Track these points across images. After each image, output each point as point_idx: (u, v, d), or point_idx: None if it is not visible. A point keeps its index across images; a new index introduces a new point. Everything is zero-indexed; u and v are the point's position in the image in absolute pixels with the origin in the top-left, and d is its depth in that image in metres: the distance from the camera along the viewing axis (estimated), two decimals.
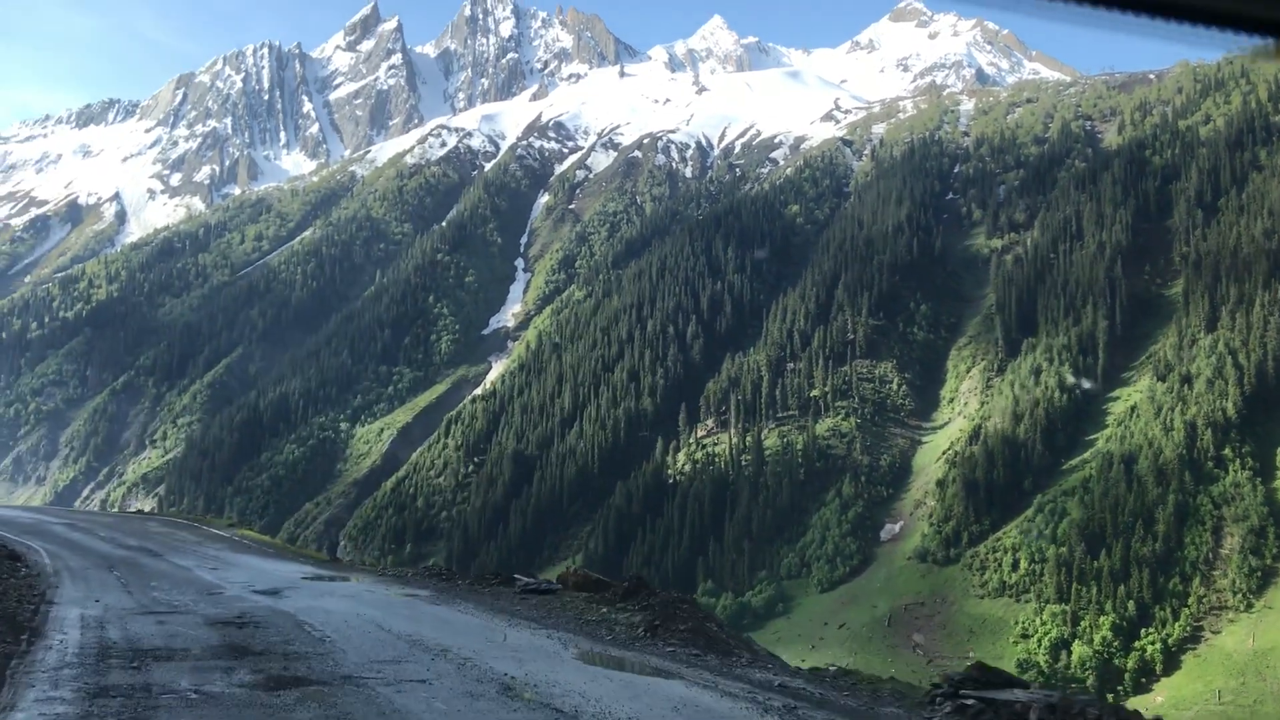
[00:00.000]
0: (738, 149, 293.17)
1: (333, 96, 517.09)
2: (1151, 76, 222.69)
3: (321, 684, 11.56)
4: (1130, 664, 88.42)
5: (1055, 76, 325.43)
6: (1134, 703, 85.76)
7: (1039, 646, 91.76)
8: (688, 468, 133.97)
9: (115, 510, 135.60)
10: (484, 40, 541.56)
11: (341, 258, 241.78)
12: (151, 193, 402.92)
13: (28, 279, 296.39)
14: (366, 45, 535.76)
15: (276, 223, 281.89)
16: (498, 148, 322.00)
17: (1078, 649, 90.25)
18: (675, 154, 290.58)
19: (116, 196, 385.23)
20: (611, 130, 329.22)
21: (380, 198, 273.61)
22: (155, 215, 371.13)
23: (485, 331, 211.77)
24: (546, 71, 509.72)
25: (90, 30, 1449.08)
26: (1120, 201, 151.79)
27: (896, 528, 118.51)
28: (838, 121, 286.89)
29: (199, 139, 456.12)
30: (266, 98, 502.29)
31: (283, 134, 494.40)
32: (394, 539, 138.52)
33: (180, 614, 16.91)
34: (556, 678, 12.43)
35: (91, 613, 16.54)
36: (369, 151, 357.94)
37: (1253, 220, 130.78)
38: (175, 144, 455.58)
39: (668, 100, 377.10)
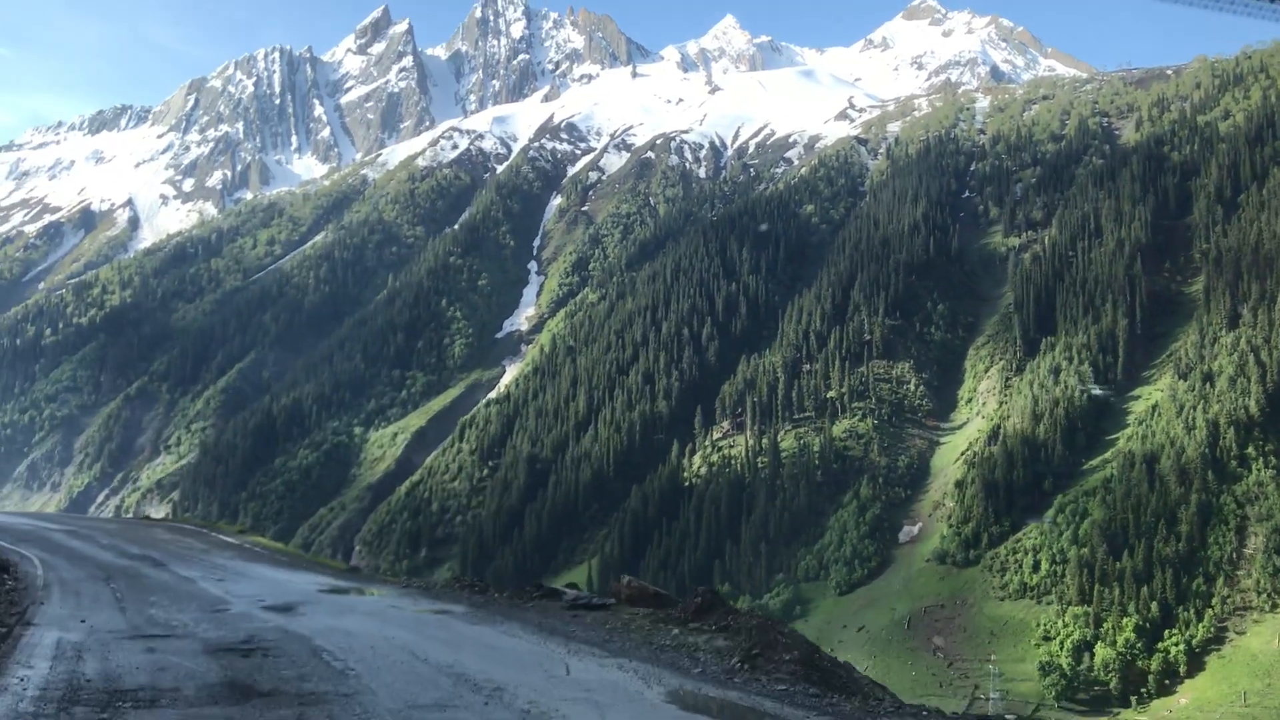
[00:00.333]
0: (751, 149, 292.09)
1: (344, 100, 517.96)
2: (1169, 72, 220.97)
3: None
4: (1154, 665, 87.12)
5: (1071, 73, 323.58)
6: (1158, 704, 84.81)
7: (1061, 649, 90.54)
8: (704, 470, 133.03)
9: (129, 515, 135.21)
10: (495, 42, 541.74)
11: (354, 261, 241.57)
12: (164, 198, 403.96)
13: (41, 285, 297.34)
14: (377, 48, 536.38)
15: (289, 227, 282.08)
16: (509, 150, 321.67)
17: (1100, 651, 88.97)
18: (689, 154, 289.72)
19: (129, 202, 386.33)
20: (624, 131, 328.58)
21: (392, 201, 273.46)
22: (168, 221, 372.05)
23: (499, 335, 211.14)
24: (558, 73, 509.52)
25: (102, 37, 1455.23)
26: (1139, 198, 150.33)
27: (915, 529, 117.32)
28: (852, 120, 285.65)
29: (211, 144, 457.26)
30: (278, 102, 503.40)
31: (294, 138, 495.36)
32: (409, 544, 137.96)
33: (176, 638, 14.79)
34: None
35: (72, 637, 14.51)
36: (380, 154, 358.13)
37: (1274, 216, 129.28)
38: (187, 149, 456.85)
39: (680, 100, 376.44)
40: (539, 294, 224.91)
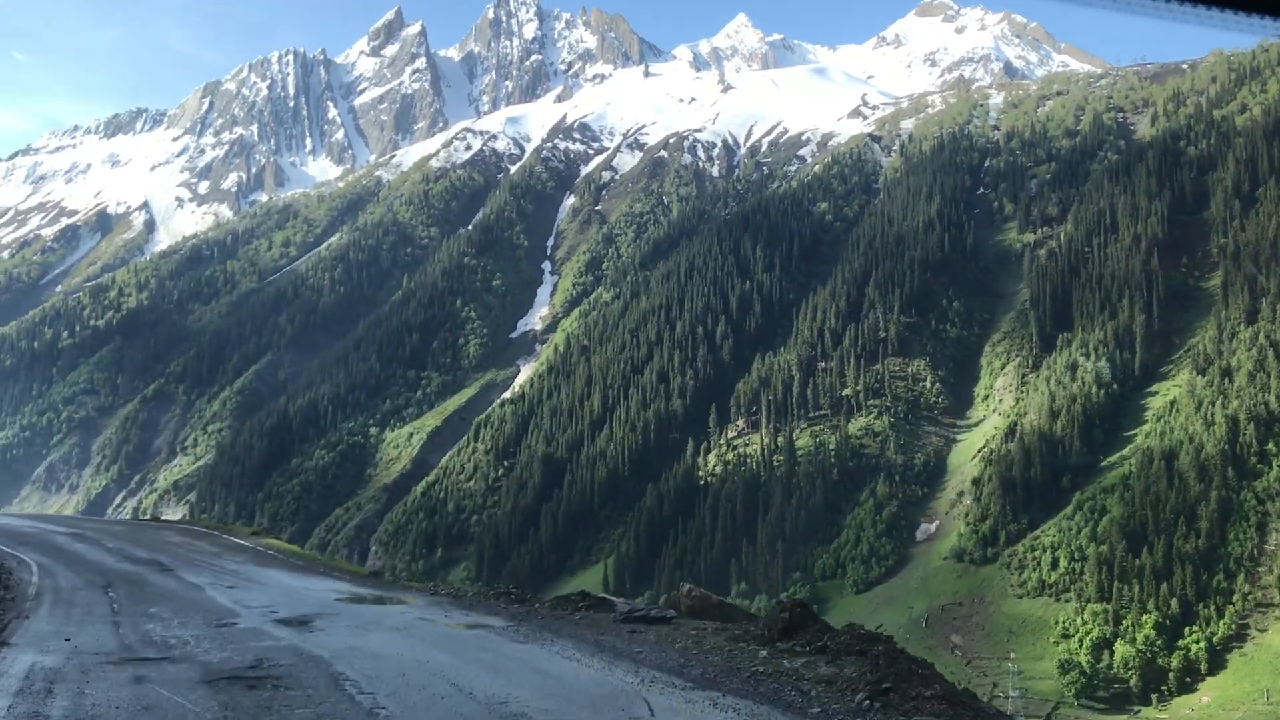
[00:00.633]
0: (765, 147, 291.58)
1: (358, 102, 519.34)
2: (1184, 66, 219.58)
3: None
4: (1174, 663, 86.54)
5: (1085, 68, 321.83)
6: (1180, 702, 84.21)
7: (1080, 646, 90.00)
8: (719, 469, 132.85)
9: (146, 517, 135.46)
10: (508, 43, 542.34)
11: (368, 262, 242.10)
12: (179, 201, 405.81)
13: (59, 289, 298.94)
14: (390, 50, 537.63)
15: (303, 229, 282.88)
16: (523, 150, 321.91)
17: (1120, 648, 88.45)
18: (701, 153, 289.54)
19: (145, 205, 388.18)
20: (637, 130, 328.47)
21: (406, 202, 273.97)
22: (183, 223, 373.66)
23: (513, 335, 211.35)
24: (570, 73, 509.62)
25: (117, 41, 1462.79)
26: (1155, 193, 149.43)
27: (932, 527, 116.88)
28: (865, 118, 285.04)
29: (226, 147, 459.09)
30: (292, 104, 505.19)
31: (308, 140, 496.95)
32: (425, 544, 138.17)
33: (172, 662, 12.87)
34: None
35: (48, 662, 12.55)
36: (394, 156, 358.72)
37: None
38: (202, 152, 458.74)
39: (693, 99, 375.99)
40: (553, 293, 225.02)
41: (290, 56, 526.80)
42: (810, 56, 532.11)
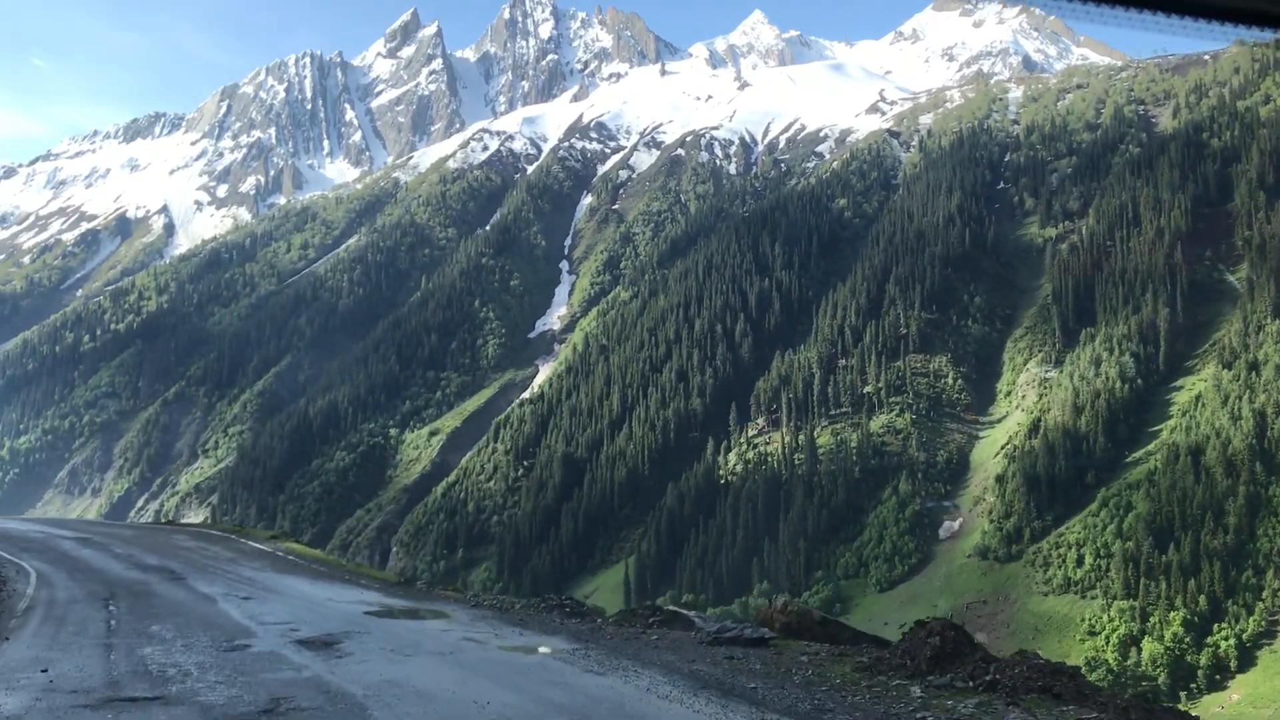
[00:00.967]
0: (782, 144, 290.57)
1: (375, 104, 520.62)
2: (1206, 58, 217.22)
3: None
4: (1203, 660, 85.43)
5: (1106, 61, 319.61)
6: (1209, 700, 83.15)
7: (1107, 644, 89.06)
8: (739, 468, 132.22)
9: (168, 520, 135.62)
10: (524, 43, 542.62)
11: (387, 264, 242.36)
12: (198, 204, 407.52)
13: (79, 293, 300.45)
14: (407, 51, 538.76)
15: (322, 231, 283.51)
16: (539, 150, 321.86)
17: (1148, 646, 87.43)
18: (719, 151, 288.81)
19: (164, 209, 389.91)
20: (654, 129, 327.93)
21: (424, 203, 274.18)
22: (203, 226, 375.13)
23: (531, 335, 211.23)
24: (587, 72, 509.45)
25: (135, 47, 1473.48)
26: (1178, 186, 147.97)
27: (955, 525, 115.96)
28: (883, 113, 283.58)
29: (244, 150, 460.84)
30: (309, 107, 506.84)
31: (326, 142, 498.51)
32: (445, 544, 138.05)
33: (165, 703, 10.71)
34: None
35: (8, 707, 10.62)
36: (412, 157, 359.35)
37: None
38: (221, 155, 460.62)
39: (710, 97, 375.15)
40: (571, 293, 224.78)
41: (307, 59, 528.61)
42: (827, 53, 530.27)
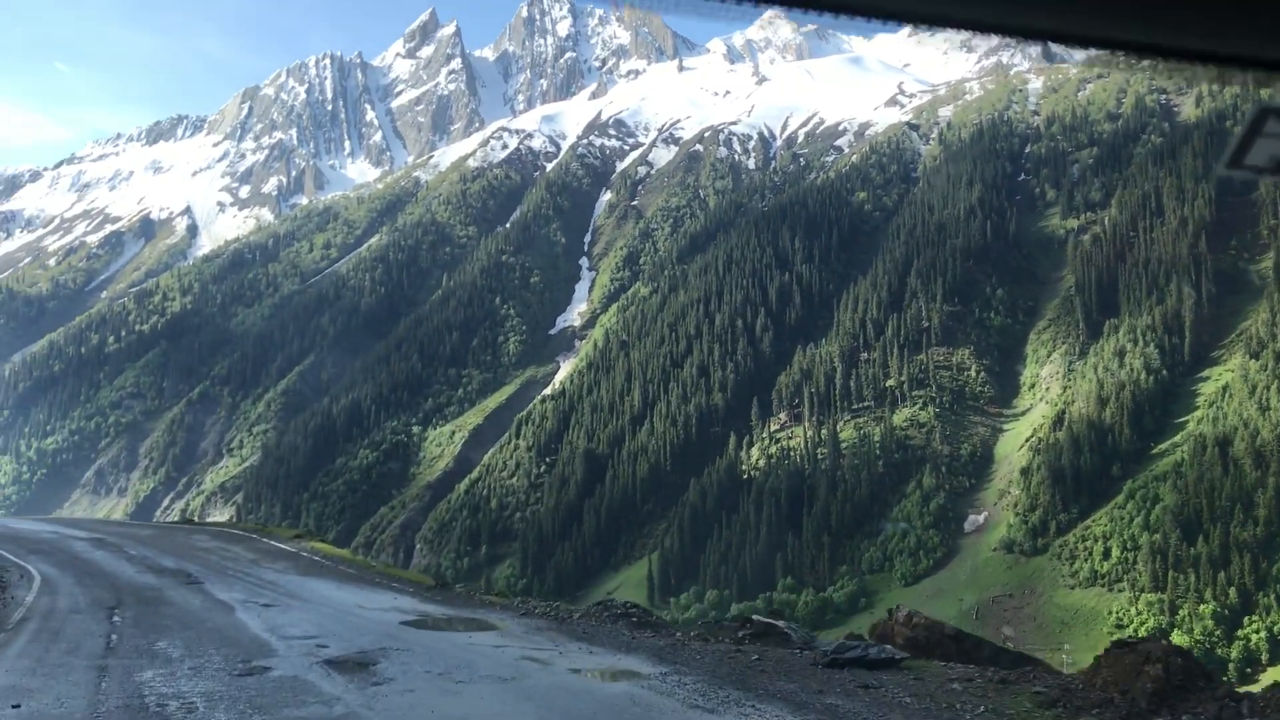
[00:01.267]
0: (801, 138, 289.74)
1: (394, 104, 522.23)
2: None
3: None
4: (1234, 653, 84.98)
5: None
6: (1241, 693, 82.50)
7: (1135, 637, 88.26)
8: (762, 463, 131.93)
9: (194, 519, 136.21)
10: (542, 41, 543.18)
11: (408, 262, 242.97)
12: (221, 205, 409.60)
13: (104, 294, 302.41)
14: (426, 51, 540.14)
15: (344, 231, 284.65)
16: (559, 148, 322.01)
17: (1178, 639, 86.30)
18: (737, 146, 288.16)
19: (187, 210, 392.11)
20: (672, 125, 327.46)
21: (444, 202, 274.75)
22: (225, 227, 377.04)
23: (552, 331, 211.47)
24: (605, 69, 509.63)
25: (156, 51, 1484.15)
26: (1201, 175, 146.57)
27: (980, 518, 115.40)
28: (902, 106, 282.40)
29: (265, 151, 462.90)
30: (330, 108, 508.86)
31: (347, 143, 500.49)
32: (469, 541, 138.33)
33: None
34: None
35: None
36: (432, 157, 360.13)
37: None
38: (243, 156, 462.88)
39: (728, 92, 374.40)
40: (591, 290, 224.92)
41: (327, 60, 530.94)
42: (845, 46, 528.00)
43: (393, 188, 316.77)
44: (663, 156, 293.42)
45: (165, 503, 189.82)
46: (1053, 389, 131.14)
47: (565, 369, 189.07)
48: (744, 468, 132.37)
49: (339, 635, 14.57)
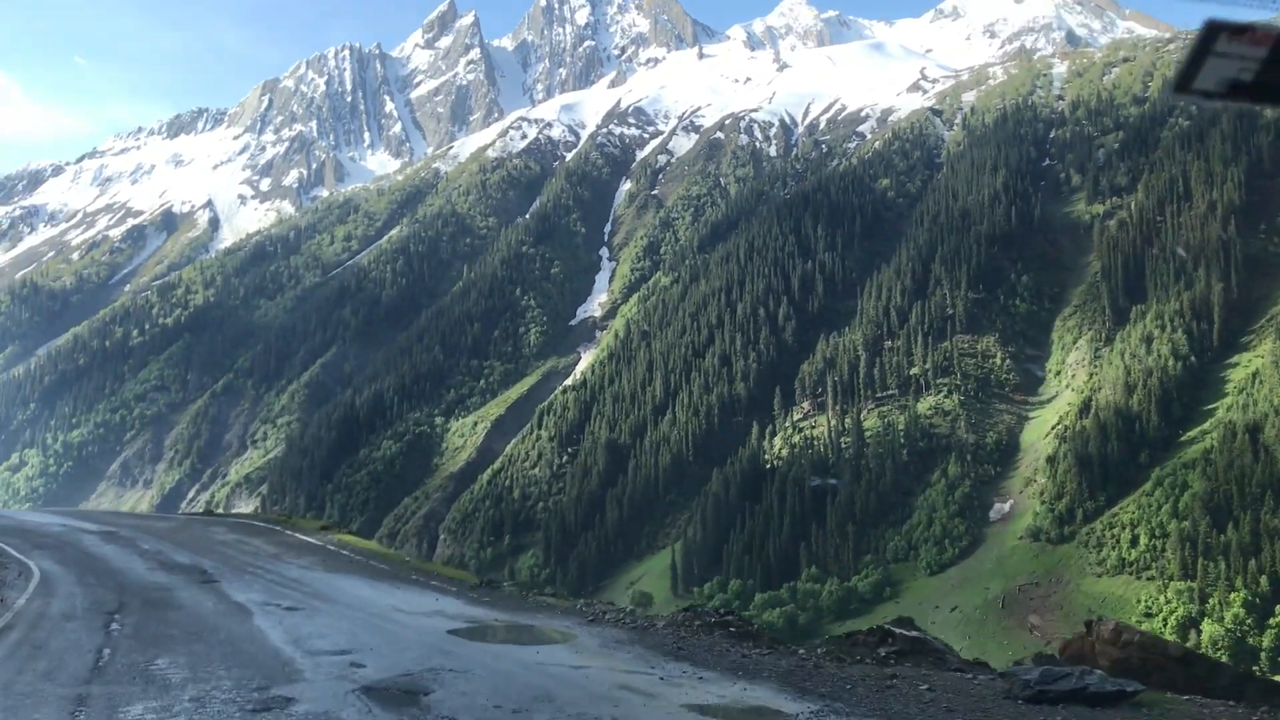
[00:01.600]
0: (822, 125, 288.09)
1: (414, 95, 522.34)
2: None
3: None
4: (1266, 642, 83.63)
5: (1152, 34, 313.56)
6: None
7: (1164, 626, 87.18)
8: (785, 452, 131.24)
9: (219, 510, 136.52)
10: (560, 30, 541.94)
11: (429, 254, 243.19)
12: (242, 198, 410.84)
13: (127, 288, 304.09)
14: (445, 42, 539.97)
15: (364, 222, 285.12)
16: (578, 137, 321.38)
17: (1208, 627, 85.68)
18: (758, 133, 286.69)
19: (209, 203, 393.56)
20: (692, 113, 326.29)
21: (464, 193, 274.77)
22: (247, 220, 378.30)
23: (573, 322, 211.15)
24: (624, 57, 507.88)
25: (176, 44, 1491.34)
26: (1230, 159, 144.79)
27: (1006, 507, 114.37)
28: (925, 92, 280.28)
29: (285, 143, 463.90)
30: (349, 99, 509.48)
31: (366, 134, 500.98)
32: (492, 531, 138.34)
33: None
34: None
35: None
36: (451, 147, 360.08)
37: None
38: (263, 149, 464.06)
39: (748, 79, 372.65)
40: (611, 279, 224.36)
41: (346, 52, 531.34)
42: (866, 32, 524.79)
43: (412, 179, 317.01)
44: (683, 145, 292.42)
45: (190, 494, 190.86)
46: (1079, 376, 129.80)
47: (586, 359, 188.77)
48: (767, 457, 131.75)
49: (377, 650, 12.35)
